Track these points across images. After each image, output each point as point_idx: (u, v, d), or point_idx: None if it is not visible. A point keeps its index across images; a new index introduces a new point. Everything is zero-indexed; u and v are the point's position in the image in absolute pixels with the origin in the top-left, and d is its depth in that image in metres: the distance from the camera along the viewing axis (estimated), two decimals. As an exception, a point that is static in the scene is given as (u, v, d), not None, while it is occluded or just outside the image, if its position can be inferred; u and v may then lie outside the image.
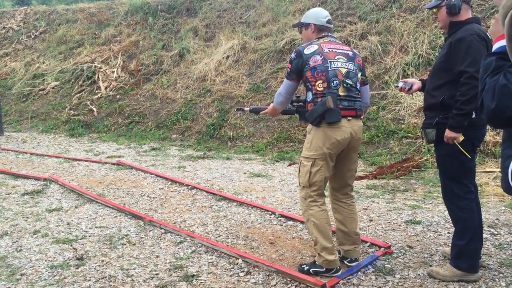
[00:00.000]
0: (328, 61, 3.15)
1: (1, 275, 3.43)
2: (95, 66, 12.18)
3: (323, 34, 3.35)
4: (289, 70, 3.27)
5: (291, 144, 7.97)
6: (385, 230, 4.21)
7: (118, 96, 11.19)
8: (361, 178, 6.07)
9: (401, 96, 7.70)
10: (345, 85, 3.15)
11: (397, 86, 3.61)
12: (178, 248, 3.86)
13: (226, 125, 9.07)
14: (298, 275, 3.21)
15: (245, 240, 4.05)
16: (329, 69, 3.14)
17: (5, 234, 4.24)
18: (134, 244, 3.97)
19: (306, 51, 3.20)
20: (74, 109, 11.27)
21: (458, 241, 3.16)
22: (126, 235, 4.16)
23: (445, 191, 3.27)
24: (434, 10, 3.22)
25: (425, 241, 3.91)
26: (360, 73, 3.30)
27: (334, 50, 3.22)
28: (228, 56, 10.57)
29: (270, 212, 4.68)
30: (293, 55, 3.26)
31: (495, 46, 1.57)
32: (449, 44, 3.06)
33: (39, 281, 3.33)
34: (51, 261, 3.67)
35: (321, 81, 3.13)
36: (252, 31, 10.93)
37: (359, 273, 3.33)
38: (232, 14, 11.97)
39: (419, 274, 3.30)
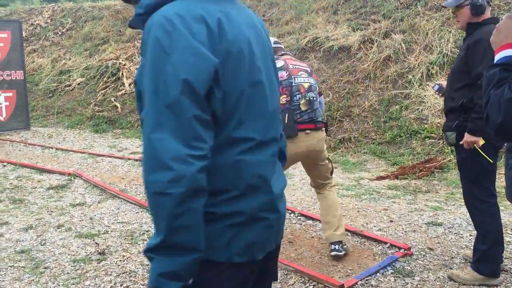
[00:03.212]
0: (292, 76, 3.41)
1: (26, 268, 3.52)
2: (120, 63, 12.35)
3: (282, 53, 3.64)
4: None
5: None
6: (405, 231, 4.18)
7: (141, 93, 11.31)
8: (382, 178, 6.03)
9: (425, 95, 7.60)
10: (307, 98, 3.38)
11: (433, 89, 3.61)
12: (198, 245, 3.90)
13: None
14: (316, 275, 3.21)
15: (264, 238, 4.06)
16: (293, 84, 3.38)
17: (30, 228, 4.35)
18: (155, 240, 4.02)
19: None
20: (98, 105, 11.46)
21: (480, 246, 3.12)
22: (147, 231, 4.23)
23: (466, 195, 3.23)
24: (452, 9, 3.17)
25: (446, 243, 3.87)
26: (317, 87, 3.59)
27: (297, 67, 3.49)
28: (250, 54, 10.58)
29: (289, 211, 4.69)
30: None
31: (498, 57, 1.52)
32: (467, 46, 3.02)
33: (62, 275, 3.41)
34: (74, 255, 3.75)
35: (285, 96, 3.37)
36: (275, 29, 10.91)
37: (378, 274, 3.31)
38: (255, 12, 11.97)
39: (439, 277, 3.27)
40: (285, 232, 4.19)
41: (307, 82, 3.43)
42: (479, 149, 2.96)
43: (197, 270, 1.22)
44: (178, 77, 1.15)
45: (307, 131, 3.37)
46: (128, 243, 3.98)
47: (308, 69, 3.56)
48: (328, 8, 10.47)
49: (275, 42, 3.74)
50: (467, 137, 2.98)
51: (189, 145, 1.14)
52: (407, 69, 8.18)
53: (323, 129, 3.52)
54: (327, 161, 3.64)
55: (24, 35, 15.74)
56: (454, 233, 4.08)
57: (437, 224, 4.30)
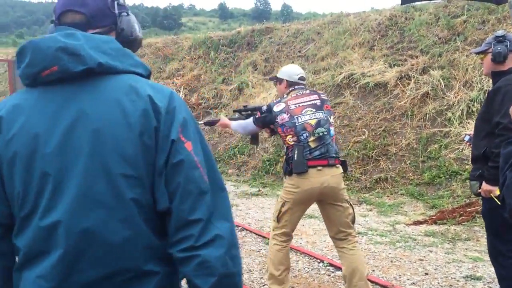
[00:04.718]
0: (295, 117, 3.33)
1: None
2: (159, 100, 12.62)
3: (289, 90, 3.50)
4: (257, 116, 3.51)
5: (347, 182, 7.76)
6: (441, 286, 3.93)
7: (178, 129, 11.47)
8: (420, 223, 5.77)
9: (466, 134, 7.30)
10: (316, 135, 3.28)
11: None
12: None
13: (282, 160, 9.00)
14: (341, 337, 3.03)
15: (290, 291, 3.91)
16: (296, 124, 3.31)
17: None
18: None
19: (275, 108, 3.41)
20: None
21: None
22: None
23: (489, 247, 3.09)
24: (481, 56, 3.08)
25: (485, 302, 3.60)
26: (331, 117, 3.49)
27: (301, 105, 3.38)
28: (286, 90, 10.57)
29: (318, 260, 4.52)
30: (265, 107, 3.50)
31: None
32: (488, 94, 2.95)
33: None
34: None
35: (290, 136, 3.33)
36: (310, 65, 10.89)
37: (408, 337, 3.10)
38: (292, 48, 12.02)
39: None
40: (313, 284, 4.03)
41: (314, 119, 3.32)
42: (495, 199, 2.80)
43: None
44: None
45: (319, 168, 3.26)
46: None
47: (317, 102, 3.41)
48: (364, 43, 10.38)
49: (300, 78, 3.54)
50: (484, 186, 2.88)
51: None
52: (446, 106, 7.92)
53: (338, 166, 3.36)
54: (347, 204, 3.42)
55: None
56: (495, 290, 3.81)
57: (476, 278, 4.03)
